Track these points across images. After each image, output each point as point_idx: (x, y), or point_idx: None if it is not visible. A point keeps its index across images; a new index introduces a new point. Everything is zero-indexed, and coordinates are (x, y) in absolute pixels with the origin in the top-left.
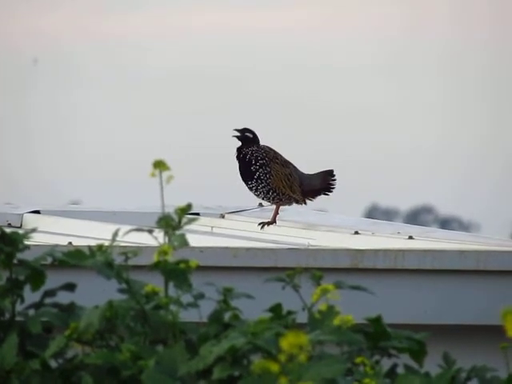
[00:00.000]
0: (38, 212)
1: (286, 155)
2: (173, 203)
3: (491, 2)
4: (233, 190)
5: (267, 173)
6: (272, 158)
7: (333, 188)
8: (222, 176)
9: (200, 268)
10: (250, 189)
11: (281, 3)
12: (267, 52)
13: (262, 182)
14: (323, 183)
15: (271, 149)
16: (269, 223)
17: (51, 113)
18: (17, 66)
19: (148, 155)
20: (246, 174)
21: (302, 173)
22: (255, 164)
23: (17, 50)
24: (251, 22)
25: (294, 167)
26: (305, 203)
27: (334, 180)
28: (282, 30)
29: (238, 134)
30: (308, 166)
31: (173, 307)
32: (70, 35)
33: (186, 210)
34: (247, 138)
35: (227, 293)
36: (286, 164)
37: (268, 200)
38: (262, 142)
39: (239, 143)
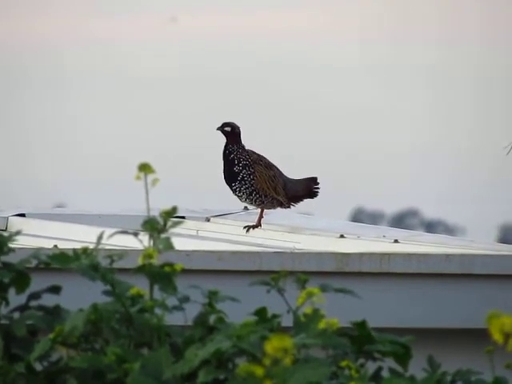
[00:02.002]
0: (23, 215)
1: (275, 155)
2: (159, 206)
3: (482, 6)
4: (218, 193)
5: (251, 173)
6: (255, 159)
7: (316, 194)
8: (207, 179)
9: (185, 271)
10: (234, 191)
11: (281, 7)
12: (267, 54)
13: (246, 183)
14: (307, 189)
15: (255, 152)
16: (254, 226)
17: (40, 114)
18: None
19: (138, 156)
20: (230, 176)
21: (287, 177)
22: (238, 165)
23: (12, 52)
24: (251, 25)
25: (279, 171)
26: (289, 206)
27: (318, 188)
28: (282, 33)
29: (219, 129)
30: (294, 166)
31: (158, 310)
32: (68, 38)
33: (171, 213)
34: (226, 132)
35: (212, 296)
36: (270, 167)
37: (250, 202)
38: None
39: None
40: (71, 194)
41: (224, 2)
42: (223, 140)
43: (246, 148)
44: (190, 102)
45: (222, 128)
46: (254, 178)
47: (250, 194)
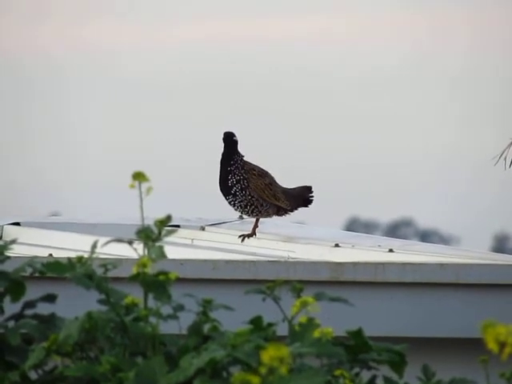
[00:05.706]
0: (18, 224)
1: (269, 163)
2: (155, 215)
3: (508, 19)
4: (214, 201)
5: (244, 188)
6: (249, 170)
7: (310, 202)
8: (202, 188)
9: (180, 280)
10: (229, 203)
11: (280, 13)
12: (264, 61)
13: (239, 197)
14: (301, 197)
15: (246, 162)
16: (249, 236)
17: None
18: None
19: (132, 162)
20: (225, 188)
21: (281, 186)
22: (231, 179)
23: (12, 62)
24: (250, 32)
25: (273, 178)
26: (291, 211)
27: (312, 196)
28: (282, 38)
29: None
30: (289, 174)
31: (152, 319)
32: (61, 46)
33: (165, 222)
34: (233, 143)
35: (206, 304)
36: (264, 174)
37: (247, 214)
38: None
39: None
40: (68, 202)
41: (222, 10)
42: (219, 147)
43: (243, 157)
44: (187, 108)
45: (231, 139)
46: (249, 191)
47: (245, 206)
